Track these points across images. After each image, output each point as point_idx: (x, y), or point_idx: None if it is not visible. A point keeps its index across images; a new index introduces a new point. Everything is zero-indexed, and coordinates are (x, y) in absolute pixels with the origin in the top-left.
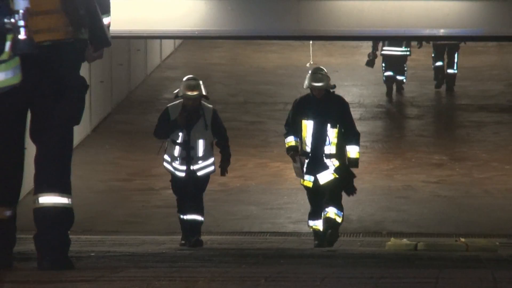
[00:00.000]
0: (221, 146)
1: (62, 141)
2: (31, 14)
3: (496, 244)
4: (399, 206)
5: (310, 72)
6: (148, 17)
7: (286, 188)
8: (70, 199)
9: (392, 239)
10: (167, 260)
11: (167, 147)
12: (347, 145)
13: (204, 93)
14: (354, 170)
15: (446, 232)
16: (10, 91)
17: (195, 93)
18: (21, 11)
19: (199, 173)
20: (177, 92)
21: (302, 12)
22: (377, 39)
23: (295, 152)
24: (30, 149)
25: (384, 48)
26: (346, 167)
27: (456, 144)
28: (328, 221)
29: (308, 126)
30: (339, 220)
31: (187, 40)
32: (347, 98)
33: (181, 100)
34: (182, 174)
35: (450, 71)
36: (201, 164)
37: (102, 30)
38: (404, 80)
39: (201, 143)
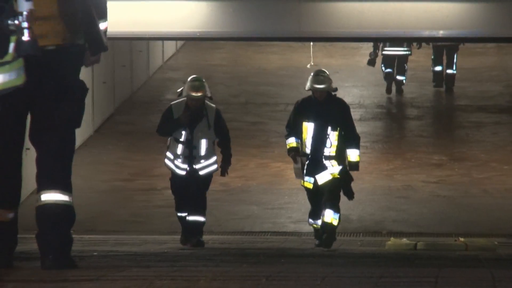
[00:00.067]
0: (223, 146)
1: (63, 142)
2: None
3: (495, 243)
4: (399, 206)
5: (312, 74)
6: (150, 19)
7: (287, 188)
8: (71, 198)
9: (392, 238)
10: (169, 260)
11: (169, 144)
12: (347, 148)
13: (208, 94)
14: (354, 173)
15: (446, 232)
16: (12, 92)
17: (199, 94)
18: (24, 13)
19: (201, 172)
20: (181, 91)
21: (303, 14)
22: (377, 41)
23: (296, 153)
24: (32, 150)
25: (386, 48)
26: (346, 170)
27: (455, 145)
28: (325, 226)
29: (309, 128)
30: (335, 223)
31: (189, 41)
32: (348, 99)
33: (185, 98)
34: (183, 173)
35: (449, 71)
36: (203, 163)
37: (99, 35)
38: (404, 81)
39: (203, 143)
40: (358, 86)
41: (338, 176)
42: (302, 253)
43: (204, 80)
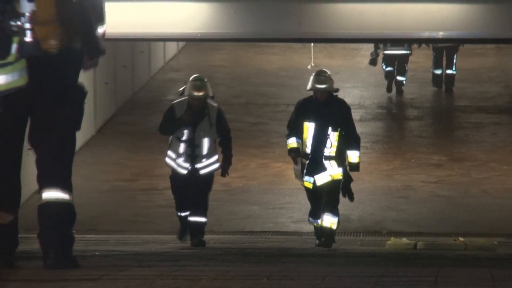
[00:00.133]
0: (224, 145)
1: (63, 142)
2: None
3: (494, 243)
4: (399, 206)
5: (313, 74)
6: (152, 20)
7: (288, 188)
8: (71, 197)
9: (392, 238)
10: (170, 259)
11: (171, 143)
12: (348, 149)
13: (210, 93)
14: (354, 173)
15: (445, 232)
16: (14, 92)
17: (201, 93)
18: (27, 14)
19: (202, 172)
20: (183, 90)
21: (304, 15)
22: (378, 42)
23: (296, 154)
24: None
25: (387, 48)
26: (346, 172)
27: (455, 145)
28: (324, 230)
29: (309, 128)
30: (334, 227)
31: (190, 42)
32: (348, 100)
33: (187, 98)
34: (185, 172)
35: (449, 71)
36: (204, 162)
37: (96, 40)
38: (404, 82)
39: (205, 141)
40: (358, 87)
41: (338, 178)
42: (302, 253)
43: (206, 80)
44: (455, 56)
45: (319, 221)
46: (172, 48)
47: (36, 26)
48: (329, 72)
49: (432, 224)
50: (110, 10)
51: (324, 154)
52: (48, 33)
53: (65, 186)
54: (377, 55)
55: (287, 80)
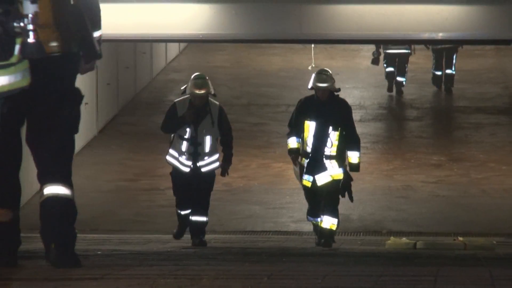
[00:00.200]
0: (224, 144)
1: (62, 142)
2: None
3: (493, 242)
4: (399, 206)
5: (315, 73)
6: (154, 21)
7: (288, 188)
8: (72, 193)
9: (392, 238)
10: (172, 259)
11: (173, 141)
12: (348, 150)
13: (211, 91)
14: (354, 174)
15: (445, 231)
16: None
17: (202, 91)
18: (30, 15)
19: (204, 169)
20: (184, 88)
21: (304, 16)
22: (378, 43)
23: (296, 156)
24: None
25: (388, 47)
26: (346, 172)
27: (454, 145)
28: (323, 232)
29: (310, 127)
30: (334, 228)
31: (192, 43)
32: (348, 100)
33: (189, 96)
34: (187, 170)
35: (448, 71)
36: (206, 160)
37: (92, 43)
38: (404, 83)
39: (208, 139)
40: (358, 87)
41: (338, 179)
42: (303, 252)
43: (207, 78)
44: (454, 57)
45: (318, 219)
46: (173, 49)
47: (38, 28)
48: (330, 72)
49: (431, 223)
50: (113, 11)
51: (325, 153)
52: (49, 36)
53: (66, 182)
54: (379, 54)
55: (288, 80)
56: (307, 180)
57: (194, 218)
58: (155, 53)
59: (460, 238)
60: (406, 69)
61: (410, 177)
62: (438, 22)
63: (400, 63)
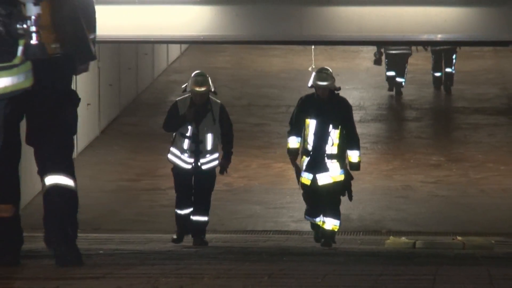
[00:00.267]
0: (225, 142)
1: (63, 141)
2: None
3: (492, 242)
4: (398, 206)
5: (315, 71)
6: (156, 23)
7: (289, 188)
8: (74, 183)
9: (391, 237)
10: (174, 258)
11: (174, 140)
12: (348, 149)
13: (212, 88)
14: (355, 173)
15: (444, 231)
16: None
17: (203, 88)
18: (33, 17)
19: (204, 167)
20: (185, 86)
21: (304, 18)
22: (377, 44)
23: (295, 157)
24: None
25: (389, 48)
26: (347, 171)
27: (453, 146)
28: (325, 233)
29: (310, 125)
30: (336, 229)
31: (193, 45)
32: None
33: (190, 94)
34: (189, 167)
35: (448, 70)
36: (208, 158)
37: (87, 45)
38: (403, 84)
39: (209, 137)
40: (358, 88)
41: (339, 180)
42: (303, 252)
43: (207, 75)
44: (454, 57)
45: (317, 219)
46: (175, 51)
47: (41, 30)
48: (330, 70)
49: (430, 223)
50: (115, 13)
51: (326, 152)
52: (49, 37)
53: (68, 172)
54: (381, 54)
55: (288, 81)
56: (306, 178)
57: (195, 217)
58: (157, 54)
59: (459, 238)
60: (406, 70)
61: (409, 177)
62: (437, 24)
63: (400, 63)
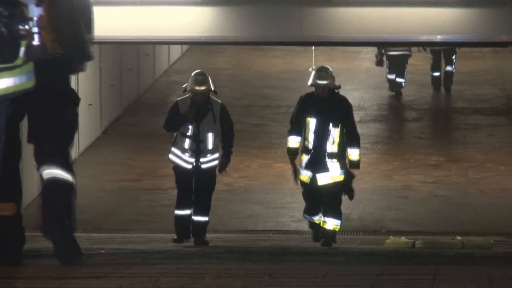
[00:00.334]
0: (225, 140)
1: (61, 139)
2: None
3: (491, 242)
4: (398, 206)
5: (315, 70)
6: (157, 24)
7: (289, 188)
8: (72, 177)
9: (391, 237)
10: (175, 257)
11: (175, 140)
12: (349, 147)
13: (212, 87)
14: (355, 171)
15: (443, 231)
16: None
17: (203, 87)
18: (35, 18)
19: (204, 166)
20: (186, 86)
21: (305, 19)
22: (377, 45)
23: (294, 156)
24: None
25: (389, 49)
26: (347, 170)
27: (452, 146)
28: (326, 233)
29: (311, 123)
30: (337, 229)
31: (194, 45)
32: None
33: (190, 94)
34: (189, 166)
35: (448, 68)
36: (209, 157)
37: (85, 45)
38: (403, 84)
39: (210, 136)
40: (358, 89)
41: (339, 180)
42: (303, 251)
43: (207, 75)
44: (454, 56)
45: (315, 218)
46: (176, 51)
47: (43, 30)
48: (330, 69)
49: (430, 223)
50: (116, 14)
51: (327, 151)
52: (48, 37)
53: (66, 166)
54: (382, 55)
55: (289, 82)
56: (305, 175)
57: (195, 218)
58: (158, 55)
59: (459, 237)
60: (406, 71)
61: (409, 177)
62: (436, 25)
63: (400, 64)
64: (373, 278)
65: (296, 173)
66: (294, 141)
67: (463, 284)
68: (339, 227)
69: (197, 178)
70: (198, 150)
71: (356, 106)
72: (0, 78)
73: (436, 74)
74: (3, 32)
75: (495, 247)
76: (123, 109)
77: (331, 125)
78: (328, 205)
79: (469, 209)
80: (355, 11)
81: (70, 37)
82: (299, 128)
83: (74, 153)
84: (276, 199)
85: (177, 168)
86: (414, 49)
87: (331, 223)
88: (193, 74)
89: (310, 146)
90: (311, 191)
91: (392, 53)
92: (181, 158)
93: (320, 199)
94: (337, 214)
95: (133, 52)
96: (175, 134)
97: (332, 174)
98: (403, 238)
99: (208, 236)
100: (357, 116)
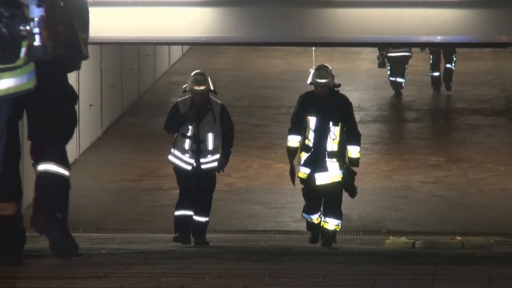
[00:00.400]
0: (225, 141)
1: (59, 137)
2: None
3: (490, 242)
4: (398, 206)
5: (314, 68)
6: (158, 25)
7: (289, 188)
8: (66, 171)
9: (391, 237)
10: (175, 257)
11: (176, 141)
12: (348, 145)
13: (211, 87)
14: (354, 169)
15: (443, 231)
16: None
17: (202, 87)
18: (36, 19)
19: (205, 167)
20: (185, 87)
21: (305, 20)
22: (377, 46)
23: (293, 156)
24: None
25: (390, 51)
26: (347, 167)
27: (452, 146)
28: (327, 233)
29: (311, 122)
30: (338, 229)
31: (195, 46)
32: None
33: (190, 95)
34: (189, 167)
35: (448, 65)
36: (209, 158)
37: (79, 45)
38: (403, 84)
39: (210, 137)
40: (358, 89)
41: (338, 180)
42: (304, 251)
43: (206, 75)
44: (454, 55)
45: (313, 217)
46: (177, 52)
47: (44, 31)
48: (330, 67)
49: (430, 223)
50: (117, 15)
51: (327, 149)
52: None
53: (59, 161)
54: (384, 57)
55: (289, 83)
56: (303, 172)
57: (195, 218)
58: (159, 55)
59: (458, 238)
60: (406, 71)
61: (409, 177)
62: (436, 26)
63: (400, 65)
64: (373, 278)
65: (294, 174)
66: (294, 141)
67: (463, 284)
68: (339, 227)
69: (198, 179)
70: (198, 150)
71: (356, 106)
72: (1, 79)
73: (436, 74)
74: (4, 32)
75: (494, 247)
76: (123, 110)
77: (331, 123)
78: (329, 205)
79: (468, 209)
80: (355, 12)
81: (64, 36)
82: (299, 128)
83: (75, 153)
84: (276, 199)
85: (177, 169)
86: (415, 49)
87: (332, 224)
88: (192, 74)
89: (310, 144)
90: (309, 189)
91: (393, 54)
92: (181, 159)
93: (320, 198)
94: (337, 214)
95: (133, 53)
96: (175, 135)
97: (331, 174)
98: (403, 238)
99: (209, 236)
100: (357, 116)
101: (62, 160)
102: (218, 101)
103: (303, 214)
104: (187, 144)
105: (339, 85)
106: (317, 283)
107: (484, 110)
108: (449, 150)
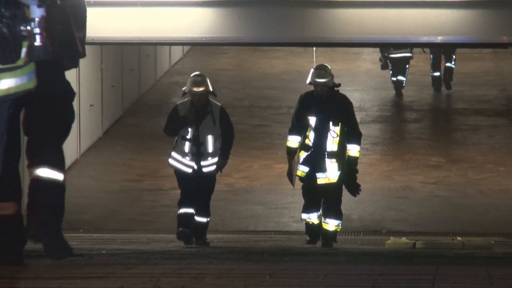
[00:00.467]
0: (224, 143)
1: (56, 137)
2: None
3: (491, 242)
4: (398, 206)
5: (313, 68)
6: (159, 25)
7: (290, 188)
8: (60, 175)
9: (392, 237)
10: (176, 258)
11: (176, 144)
12: (348, 143)
13: (210, 89)
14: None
15: (443, 231)
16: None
17: (201, 89)
18: (36, 19)
19: (205, 170)
20: (184, 89)
21: (305, 20)
22: (378, 46)
23: (292, 156)
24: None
25: (392, 52)
26: (347, 166)
27: (452, 147)
28: (327, 234)
29: (310, 122)
30: (338, 229)
31: (195, 46)
32: None
33: (190, 98)
34: (189, 170)
35: (448, 64)
36: (209, 161)
37: (75, 44)
38: (404, 83)
39: (210, 139)
40: (358, 90)
41: (335, 182)
42: (304, 251)
43: (205, 76)
44: (454, 54)
45: (311, 216)
46: (177, 52)
47: (44, 31)
48: (329, 67)
49: (430, 223)
50: (118, 15)
51: (327, 149)
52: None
53: (54, 165)
54: (386, 58)
55: (290, 83)
56: (301, 170)
57: (196, 219)
58: (159, 56)
59: (459, 238)
60: (407, 71)
61: (409, 177)
62: (436, 26)
63: (402, 65)
64: (374, 278)
65: (292, 175)
66: (294, 141)
67: (463, 284)
68: (340, 227)
69: (198, 181)
70: (198, 153)
71: (356, 107)
72: (2, 79)
73: (437, 74)
74: (5, 33)
75: (495, 247)
76: (124, 110)
77: (331, 123)
78: (328, 206)
79: (469, 210)
80: (356, 12)
81: (61, 35)
82: (300, 128)
83: (75, 153)
84: (277, 199)
85: (178, 172)
86: (416, 50)
87: (332, 224)
88: (191, 75)
89: (310, 144)
90: (308, 187)
91: (394, 55)
92: (181, 162)
93: (319, 197)
94: (337, 215)
95: (134, 53)
96: (176, 139)
97: (330, 175)
98: (403, 238)
99: (209, 236)
100: (357, 117)
101: (57, 163)
102: (217, 103)
103: (302, 214)
104: (187, 146)
105: (339, 85)
106: (318, 283)
107: (484, 111)
108: (449, 150)
